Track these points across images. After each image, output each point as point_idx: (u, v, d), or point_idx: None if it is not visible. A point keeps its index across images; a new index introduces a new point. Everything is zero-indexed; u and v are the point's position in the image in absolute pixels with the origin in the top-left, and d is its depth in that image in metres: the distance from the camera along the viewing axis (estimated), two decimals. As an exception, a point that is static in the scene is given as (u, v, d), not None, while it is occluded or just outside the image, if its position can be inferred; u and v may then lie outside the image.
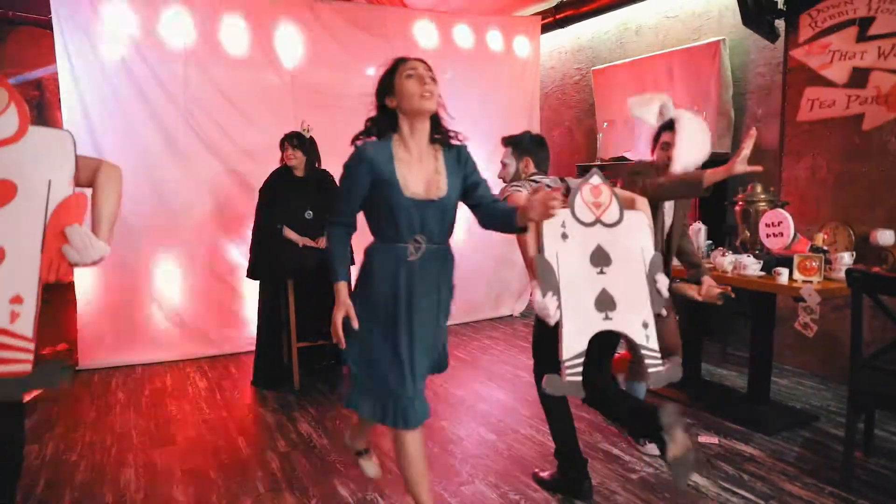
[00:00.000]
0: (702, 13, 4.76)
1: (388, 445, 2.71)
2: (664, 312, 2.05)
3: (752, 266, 3.07)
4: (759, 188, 3.34)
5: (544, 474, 2.58)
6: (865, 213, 3.61)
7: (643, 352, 1.95)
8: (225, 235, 4.60)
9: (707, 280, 2.85)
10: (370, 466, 2.38)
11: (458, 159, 1.96)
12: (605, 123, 5.53)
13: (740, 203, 3.37)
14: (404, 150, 1.88)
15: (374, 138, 1.91)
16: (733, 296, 2.78)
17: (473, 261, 4.94)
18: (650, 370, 1.95)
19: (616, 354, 2.73)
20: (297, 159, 3.78)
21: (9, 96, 1.50)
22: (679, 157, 2.57)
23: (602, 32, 5.69)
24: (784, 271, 2.91)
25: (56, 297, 4.16)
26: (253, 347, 3.99)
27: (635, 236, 2.03)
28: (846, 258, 3.00)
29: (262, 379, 3.89)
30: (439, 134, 1.93)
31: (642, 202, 2.16)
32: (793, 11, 3.95)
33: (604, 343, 2.07)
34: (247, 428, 3.24)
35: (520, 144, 2.58)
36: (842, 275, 2.77)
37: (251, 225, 3.96)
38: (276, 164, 3.90)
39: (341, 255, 1.91)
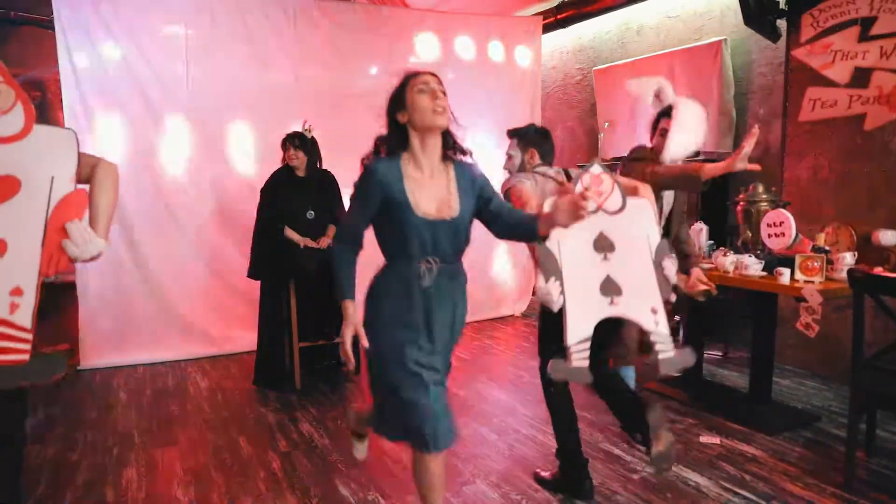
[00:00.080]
0: (703, 13, 4.76)
1: (390, 445, 2.71)
2: (673, 298, 2.05)
3: (753, 266, 3.06)
4: (760, 188, 3.34)
5: (546, 474, 2.58)
6: (867, 213, 3.60)
7: (653, 337, 1.93)
8: (226, 235, 4.60)
9: (696, 272, 2.78)
10: (360, 450, 2.38)
11: (472, 178, 1.88)
12: (607, 123, 5.53)
13: (742, 203, 3.37)
14: (415, 167, 1.81)
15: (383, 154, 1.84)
16: (715, 293, 2.76)
17: (474, 261, 4.95)
18: (661, 356, 1.93)
19: None
20: (299, 159, 3.79)
21: (16, 95, 1.54)
22: (673, 142, 2.57)
23: (603, 32, 5.69)
24: (786, 271, 2.90)
25: (58, 296, 4.17)
26: (254, 347, 3.99)
27: (640, 223, 2.02)
28: (848, 258, 2.99)
29: (263, 379, 3.89)
30: (451, 151, 1.87)
31: (646, 189, 2.16)
32: (794, 11, 3.95)
33: (608, 330, 2.06)
34: (248, 428, 3.24)
35: (525, 136, 2.58)
36: (843, 275, 2.77)
37: (252, 225, 3.96)
38: (277, 164, 3.91)
39: (347, 274, 1.82)
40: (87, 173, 1.67)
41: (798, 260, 2.90)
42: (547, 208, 1.84)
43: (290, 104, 4.60)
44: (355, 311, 1.78)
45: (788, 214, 3.07)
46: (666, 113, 2.74)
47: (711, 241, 3.65)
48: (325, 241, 3.78)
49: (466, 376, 4.00)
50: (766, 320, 3.28)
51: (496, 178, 2.52)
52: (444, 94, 1.81)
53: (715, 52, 4.49)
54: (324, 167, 3.99)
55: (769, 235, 3.12)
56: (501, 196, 2.06)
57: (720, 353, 4.36)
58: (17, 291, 1.47)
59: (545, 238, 1.85)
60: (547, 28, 5.88)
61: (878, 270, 2.77)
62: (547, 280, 1.88)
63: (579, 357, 1.87)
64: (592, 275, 1.94)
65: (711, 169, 2.46)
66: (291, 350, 3.85)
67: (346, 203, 3.95)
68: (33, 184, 1.53)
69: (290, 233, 3.76)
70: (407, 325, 1.80)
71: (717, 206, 4.22)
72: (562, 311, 1.89)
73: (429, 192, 1.80)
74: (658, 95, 2.76)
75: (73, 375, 4.05)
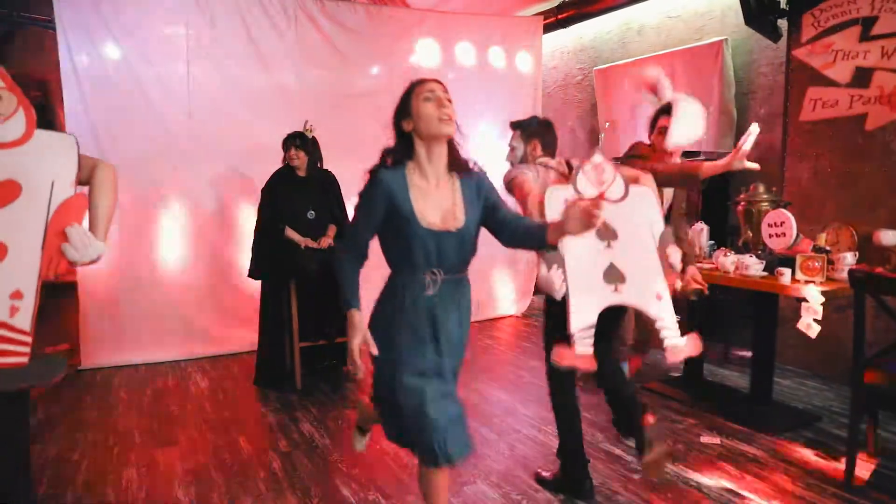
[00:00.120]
0: (704, 13, 4.76)
1: (390, 445, 2.70)
2: (679, 284, 2.04)
3: (754, 266, 3.06)
4: (761, 188, 3.34)
5: (546, 474, 2.58)
6: (868, 214, 3.59)
7: (658, 324, 1.93)
8: (227, 235, 4.61)
9: (691, 270, 2.77)
10: (360, 442, 2.38)
11: (478, 188, 1.85)
12: (607, 123, 5.53)
13: (743, 203, 3.36)
14: (420, 176, 1.79)
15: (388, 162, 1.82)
16: (707, 293, 2.77)
17: (474, 261, 4.93)
18: (667, 342, 1.93)
19: None
20: (300, 159, 3.79)
21: (17, 101, 1.55)
22: (672, 136, 2.57)
23: (604, 32, 5.69)
24: (787, 271, 2.91)
25: (58, 297, 4.17)
26: (255, 347, 3.99)
27: (642, 211, 2.02)
28: (849, 258, 2.99)
29: (263, 378, 3.89)
30: (456, 160, 1.84)
31: (647, 178, 2.16)
32: (795, 11, 3.94)
33: (611, 319, 2.05)
34: (248, 427, 3.24)
35: (528, 128, 2.58)
36: (844, 275, 2.77)
37: (253, 225, 3.96)
38: (278, 164, 3.91)
39: (352, 284, 1.80)
40: (86, 175, 1.68)
41: (799, 260, 2.90)
42: (550, 209, 1.84)
43: (291, 104, 4.60)
44: (361, 319, 1.77)
45: (789, 214, 3.07)
46: (665, 111, 2.74)
47: (712, 241, 3.65)
48: (325, 242, 3.78)
49: (466, 376, 3.97)
50: (767, 320, 3.28)
51: (496, 177, 2.53)
52: (450, 101, 1.79)
53: (716, 52, 4.49)
54: (325, 167, 4.00)
55: (770, 235, 3.12)
56: (506, 199, 2.04)
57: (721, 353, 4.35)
58: (16, 295, 1.48)
59: (554, 247, 1.80)
60: (547, 28, 5.87)
61: (879, 271, 2.76)
62: (549, 268, 1.87)
63: (583, 344, 1.87)
64: (596, 263, 1.94)
65: (710, 167, 2.46)
66: (292, 350, 3.85)
67: (347, 203, 3.97)
68: (34, 188, 1.54)
69: (291, 233, 3.76)
70: (413, 336, 1.79)
71: (718, 207, 4.21)
72: (565, 302, 1.88)
73: (434, 202, 1.78)
74: (655, 91, 2.75)
75: (73, 375, 4.05)
